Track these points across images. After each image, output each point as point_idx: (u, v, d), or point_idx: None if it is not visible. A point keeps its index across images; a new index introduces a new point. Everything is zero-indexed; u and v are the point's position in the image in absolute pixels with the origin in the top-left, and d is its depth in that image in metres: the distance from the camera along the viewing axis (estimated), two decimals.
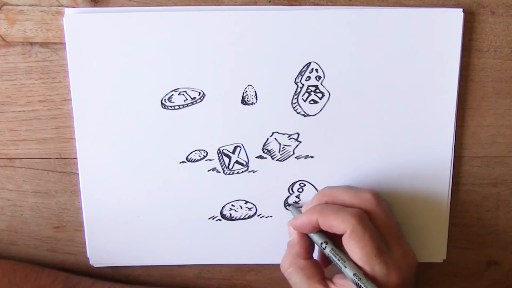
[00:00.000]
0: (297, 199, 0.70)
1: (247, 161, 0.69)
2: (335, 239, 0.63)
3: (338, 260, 0.61)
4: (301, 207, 0.69)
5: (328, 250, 0.63)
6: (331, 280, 0.62)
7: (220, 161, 0.68)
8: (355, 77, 0.66)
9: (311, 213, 0.63)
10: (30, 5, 0.65)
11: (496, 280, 0.75)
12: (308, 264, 0.64)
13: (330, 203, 0.64)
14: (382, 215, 0.63)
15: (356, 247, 0.60)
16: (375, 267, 0.59)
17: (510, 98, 0.69)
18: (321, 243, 0.63)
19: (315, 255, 0.67)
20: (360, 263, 0.60)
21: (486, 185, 0.72)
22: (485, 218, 0.73)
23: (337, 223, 0.61)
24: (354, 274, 0.59)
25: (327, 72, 0.66)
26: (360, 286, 0.58)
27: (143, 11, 0.65)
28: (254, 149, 0.68)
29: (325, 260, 0.66)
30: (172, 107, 0.67)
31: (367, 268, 0.59)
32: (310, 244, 0.65)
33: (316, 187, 0.70)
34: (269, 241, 0.71)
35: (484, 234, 0.74)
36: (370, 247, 0.60)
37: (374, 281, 0.59)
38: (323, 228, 0.62)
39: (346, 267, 0.60)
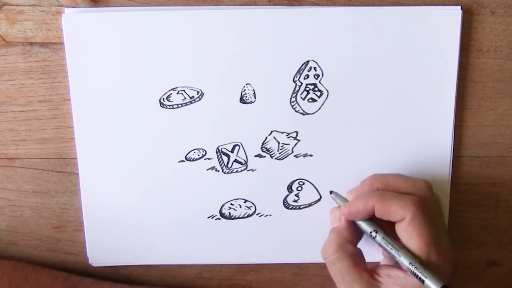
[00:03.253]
0: (296, 198, 0.70)
1: (246, 159, 0.69)
2: (382, 228, 0.62)
3: (391, 248, 0.60)
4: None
5: (379, 239, 0.61)
6: (374, 271, 0.61)
7: (219, 160, 0.68)
8: (354, 75, 0.66)
9: (368, 198, 0.61)
10: (30, 5, 0.65)
11: (496, 280, 0.75)
12: (356, 251, 0.62)
13: (384, 189, 0.63)
14: (436, 204, 0.63)
15: (415, 235, 0.59)
16: (431, 256, 0.59)
17: (510, 98, 0.69)
18: (371, 232, 0.62)
19: None
20: (417, 251, 0.59)
21: (486, 185, 0.72)
22: (485, 218, 0.73)
23: (397, 209, 0.59)
24: (410, 263, 0.58)
25: (325, 70, 0.66)
26: (417, 275, 0.57)
27: (143, 11, 0.65)
28: (253, 148, 0.68)
29: None
30: (171, 106, 0.67)
31: (423, 256, 0.59)
32: (358, 232, 0.64)
33: (315, 185, 0.70)
34: (268, 240, 0.71)
35: (484, 234, 0.74)
36: (429, 235, 0.59)
37: (430, 269, 0.58)
38: (379, 214, 0.61)
39: (400, 256, 0.59)
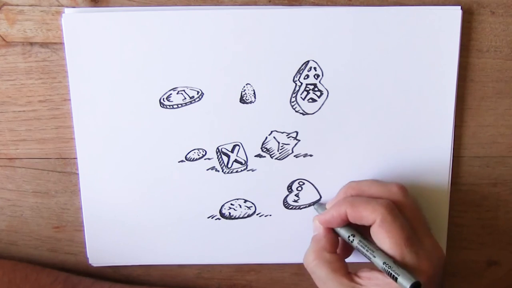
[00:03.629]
0: (296, 198, 0.70)
1: (246, 160, 0.69)
2: (361, 233, 0.64)
3: (367, 251, 0.61)
4: (324, 204, 0.69)
5: (356, 242, 0.63)
6: (356, 274, 0.62)
7: (219, 160, 0.68)
8: (354, 75, 0.66)
9: (340, 206, 0.63)
10: (30, 5, 0.65)
11: (496, 280, 0.75)
12: (333, 258, 0.64)
13: (358, 196, 0.65)
14: (411, 206, 0.63)
15: (386, 237, 0.60)
16: (405, 256, 0.59)
17: (510, 98, 0.69)
18: (349, 236, 0.64)
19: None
20: (390, 252, 0.60)
21: (486, 185, 0.72)
22: (485, 218, 0.73)
23: (367, 213, 0.61)
24: (384, 263, 0.59)
25: (325, 70, 0.66)
26: (391, 273, 0.58)
27: (143, 11, 0.65)
28: (253, 148, 0.68)
29: (346, 255, 0.67)
30: (171, 106, 0.67)
31: (397, 257, 0.59)
32: (336, 239, 0.66)
33: (315, 185, 0.70)
34: (268, 240, 0.71)
35: (484, 234, 0.74)
36: (400, 236, 0.60)
37: (403, 268, 0.59)
38: (352, 220, 0.63)
39: (375, 257, 0.60)
